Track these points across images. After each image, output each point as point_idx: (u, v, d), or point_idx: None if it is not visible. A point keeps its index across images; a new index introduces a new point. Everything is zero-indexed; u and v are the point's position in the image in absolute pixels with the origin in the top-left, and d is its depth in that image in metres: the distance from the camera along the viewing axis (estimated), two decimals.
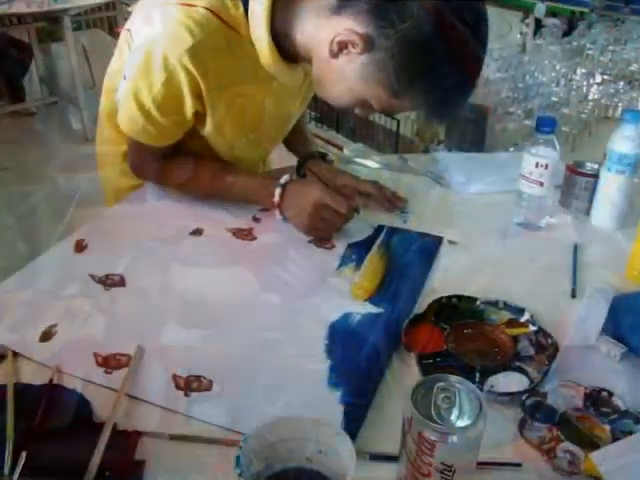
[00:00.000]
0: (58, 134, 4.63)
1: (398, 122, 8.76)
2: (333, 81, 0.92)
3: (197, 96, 0.97)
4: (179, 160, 1.10)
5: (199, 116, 1.02)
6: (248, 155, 1.20)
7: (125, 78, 1.02)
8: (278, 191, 1.04)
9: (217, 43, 0.93)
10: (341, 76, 0.90)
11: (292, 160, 1.30)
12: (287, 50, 0.97)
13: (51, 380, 0.74)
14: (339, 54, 0.88)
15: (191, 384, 0.74)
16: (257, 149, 1.22)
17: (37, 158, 4.09)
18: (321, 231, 1.05)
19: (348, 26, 0.84)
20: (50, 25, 4.37)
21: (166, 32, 0.91)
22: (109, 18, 5.74)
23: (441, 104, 0.90)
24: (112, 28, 5.48)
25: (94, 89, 4.53)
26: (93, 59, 4.93)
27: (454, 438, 0.53)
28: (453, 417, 0.55)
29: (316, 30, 0.90)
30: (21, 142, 4.46)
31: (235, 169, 1.13)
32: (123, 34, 1.07)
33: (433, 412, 0.55)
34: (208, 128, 1.04)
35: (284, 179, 1.06)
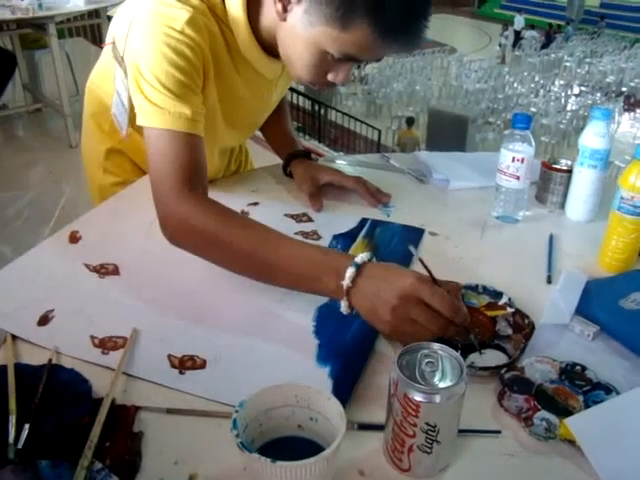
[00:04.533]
0: (42, 141, 4.64)
1: (379, 132, 8.87)
2: (293, 46, 0.93)
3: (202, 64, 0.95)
4: (218, 207, 0.90)
5: None
6: (223, 141, 1.21)
7: (118, 92, 1.03)
8: (350, 271, 0.76)
9: (210, 20, 0.95)
10: (295, 35, 0.91)
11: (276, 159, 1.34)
12: (263, 43, 1.01)
13: (50, 361, 0.77)
14: (286, 14, 0.90)
15: (185, 363, 0.78)
16: (231, 137, 1.22)
17: (21, 165, 4.10)
18: (408, 337, 0.72)
19: None
20: (34, 32, 4.39)
21: (161, 13, 0.90)
22: (92, 27, 5.76)
23: (392, 22, 0.84)
24: (96, 36, 5.50)
25: (78, 96, 4.56)
26: (77, 67, 4.95)
27: (437, 398, 0.57)
28: (436, 379, 0.59)
29: (270, 8, 0.93)
30: (5, 149, 4.46)
31: (290, 237, 0.88)
32: (108, 48, 1.07)
33: (417, 375, 0.59)
34: None
35: (361, 257, 0.78)
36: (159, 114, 0.90)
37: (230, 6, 0.96)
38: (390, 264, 0.80)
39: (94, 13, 5.14)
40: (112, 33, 1.04)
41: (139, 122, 0.93)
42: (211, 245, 0.87)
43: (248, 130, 1.29)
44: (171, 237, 0.90)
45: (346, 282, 0.76)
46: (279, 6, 0.89)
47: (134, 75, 0.92)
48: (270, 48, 1.02)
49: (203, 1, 0.95)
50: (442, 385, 0.58)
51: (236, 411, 0.58)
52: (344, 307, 0.77)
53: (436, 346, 0.61)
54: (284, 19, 0.91)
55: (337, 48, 0.88)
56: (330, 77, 0.95)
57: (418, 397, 0.57)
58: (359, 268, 0.76)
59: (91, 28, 6.01)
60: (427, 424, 0.59)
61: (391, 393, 0.60)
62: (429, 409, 0.58)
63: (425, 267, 0.79)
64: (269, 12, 0.95)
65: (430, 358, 0.60)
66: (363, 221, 1.13)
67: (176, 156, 0.90)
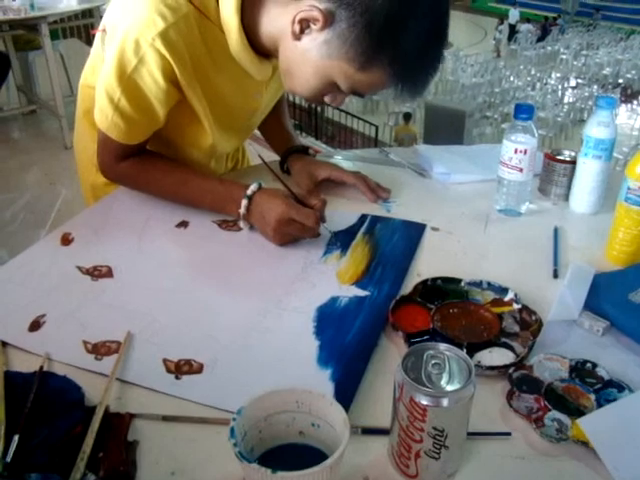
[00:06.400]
0: (37, 142, 4.61)
1: (377, 128, 8.88)
2: (299, 65, 0.92)
3: (173, 82, 0.96)
4: (146, 162, 1.08)
5: (183, 103, 1.02)
6: (219, 148, 1.18)
7: None
8: (244, 203, 1.01)
9: (190, 28, 0.93)
10: (306, 58, 0.90)
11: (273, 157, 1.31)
12: (256, 44, 0.98)
13: (41, 367, 0.74)
14: (302, 35, 0.88)
15: (182, 367, 0.75)
16: (226, 142, 1.18)
17: (16, 167, 4.08)
18: (289, 244, 1.01)
19: (309, 3, 0.85)
20: (27, 33, 4.36)
21: (138, 18, 0.91)
22: (86, 27, 5.73)
23: (409, 74, 0.88)
24: (90, 37, 5.47)
25: (72, 97, 4.53)
26: (71, 68, 4.92)
27: (445, 401, 0.54)
28: (443, 382, 0.56)
29: (280, 17, 0.91)
30: None
31: (203, 174, 1.10)
32: (98, 35, 1.07)
33: (424, 377, 0.56)
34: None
35: (251, 190, 1.01)
36: (100, 114, 1.01)
37: (223, 8, 0.94)
38: (272, 191, 1.02)
39: (87, 13, 5.10)
40: (104, 21, 1.02)
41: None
42: (142, 191, 1.13)
43: (244, 133, 1.26)
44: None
45: (242, 211, 1.01)
46: (297, 27, 0.87)
47: (107, 68, 0.96)
48: (261, 49, 0.99)
49: (193, 2, 0.92)
50: (450, 388, 0.55)
51: (234, 419, 0.56)
52: (243, 224, 1.04)
53: (442, 346, 0.59)
54: (298, 39, 0.89)
55: (348, 84, 0.90)
56: (327, 99, 0.97)
57: (425, 401, 0.55)
58: (250, 198, 1.01)
59: (85, 28, 5.98)
60: (435, 429, 0.56)
61: (396, 396, 0.58)
62: (437, 413, 0.55)
63: (288, 189, 1.03)
64: (273, 21, 0.93)
65: (436, 359, 0.57)
66: (363, 217, 1.10)
67: (109, 148, 1.06)
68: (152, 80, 0.95)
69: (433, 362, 0.57)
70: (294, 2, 0.88)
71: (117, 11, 0.97)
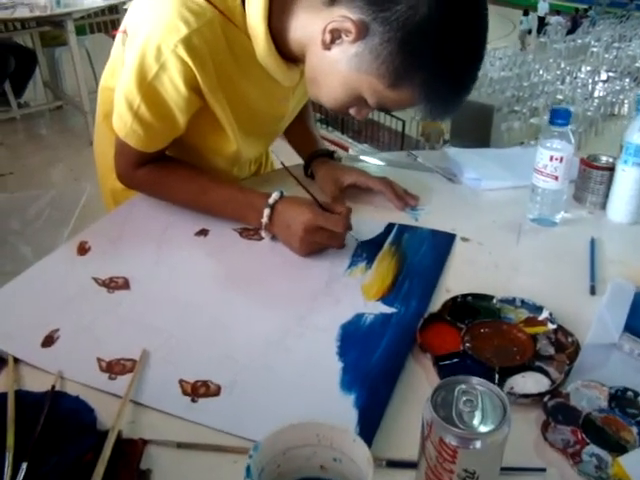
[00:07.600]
0: (62, 138, 4.63)
1: (404, 123, 8.77)
2: (326, 76, 0.89)
3: (195, 89, 0.93)
4: (164, 170, 1.06)
5: (205, 110, 0.99)
6: (243, 154, 1.14)
7: None
8: (267, 212, 0.97)
9: (214, 34, 0.89)
10: (334, 69, 0.86)
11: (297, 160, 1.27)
12: (283, 49, 0.95)
13: (53, 387, 0.71)
14: (332, 45, 0.85)
15: (198, 389, 0.72)
16: (250, 148, 1.15)
17: (42, 162, 4.10)
18: (313, 255, 0.98)
19: (341, 13, 0.81)
20: (53, 29, 4.38)
21: (161, 23, 0.87)
22: (112, 22, 5.75)
23: (440, 94, 0.85)
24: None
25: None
26: (97, 63, 4.93)
27: (477, 444, 0.50)
28: (476, 421, 0.51)
29: (309, 24, 0.87)
30: (26, 147, 4.47)
31: (222, 182, 1.06)
32: (119, 36, 1.04)
33: (455, 416, 0.52)
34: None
35: (273, 198, 0.98)
36: (118, 121, 0.98)
37: (250, 13, 0.90)
38: (296, 199, 0.99)
39: (114, 9, 5.11)
40: (125, 22, 1.00)
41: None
42: (160, 198, 1.10)
43: (269, 138, 1.23)
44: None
45: (264, 220, 0.98)
46: (327, 37, 0.84)
47: (127, 73, 0.93)
48: (288, 55, 0.96)
49: (218, 7, 0.89)
50: (483, 429, 0.51)
51: (250, 456, 0.52)
52: (264, 234, 1.00)
53: (475, 380, 0.54)
54: (328, 49, 0.85)
55: (376, 99, 0.87)
56: (352, 112, 0.94)
57: (455, 442, 0.50)
58: (273, 207, 0.97)
59: (111, 24, 6.00)
60: (465, 471, 0.52)
61: (424, 435, 0.54)
62: (468, 455, 0.51)
63: (313, 196, 0.99)
64: (302, 27, 0.89)
65: (469, 395, 0.53)
66: (390, 226, 1.06)
67: (127, 155, 1.02)
68: (173, 87, 0.91)
69: (465, 398, 0.53)
70: (326, 10, 0.84)
71: (139, 13, 0.93)
